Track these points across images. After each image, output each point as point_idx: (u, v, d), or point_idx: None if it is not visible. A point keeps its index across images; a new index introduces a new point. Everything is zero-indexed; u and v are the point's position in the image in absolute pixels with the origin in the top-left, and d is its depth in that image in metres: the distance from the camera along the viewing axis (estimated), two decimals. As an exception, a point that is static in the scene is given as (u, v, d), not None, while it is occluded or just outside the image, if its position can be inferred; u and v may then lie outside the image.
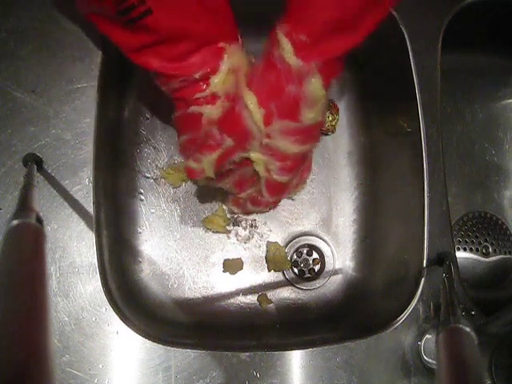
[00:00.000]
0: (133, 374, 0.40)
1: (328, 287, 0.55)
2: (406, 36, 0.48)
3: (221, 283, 0.53)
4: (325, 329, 0.51)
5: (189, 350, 0.41)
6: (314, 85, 0.32)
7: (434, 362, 0.42)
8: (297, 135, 0.35)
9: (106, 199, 0.45)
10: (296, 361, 0.42)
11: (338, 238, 0.56)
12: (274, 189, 0.41)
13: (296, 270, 0.55)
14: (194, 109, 0.36)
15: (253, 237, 0.54)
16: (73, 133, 0.43)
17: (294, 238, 0.55)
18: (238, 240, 0.54)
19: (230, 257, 0.53)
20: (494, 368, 0.42)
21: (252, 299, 0.53)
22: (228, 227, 0.53)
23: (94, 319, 0.41)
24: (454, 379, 0.30)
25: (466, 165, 0.61)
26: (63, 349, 0.40)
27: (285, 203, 0.55)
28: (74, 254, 0.42)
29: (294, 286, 0.54)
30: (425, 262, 0.45)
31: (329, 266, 0.55)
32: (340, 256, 0.55)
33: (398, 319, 0.44)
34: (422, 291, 0.44)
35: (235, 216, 0.54)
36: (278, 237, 0.55)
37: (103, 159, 0.45)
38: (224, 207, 0.53)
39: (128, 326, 0.41)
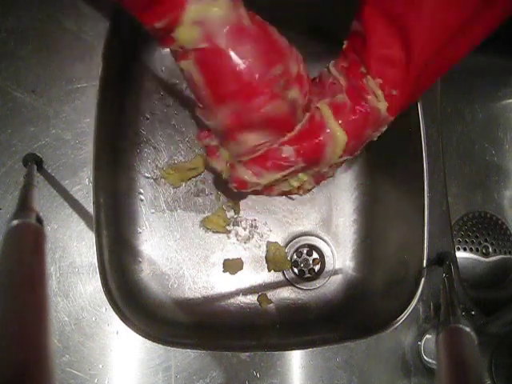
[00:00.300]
0: (133, 374, 0.40)
1: (328, 287, 0.55)
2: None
3: (221, 283, 0.53)
4: (325, 329, 0.51)
5: (189, 350, 0.41)
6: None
7: (433, 362, 0.42)
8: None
9: (105, 199, 0.45)
10: (296, 361, 0.42)
11: (338, 237, 0.56)
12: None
13: (296, 270, 0.55)
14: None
15: (253, 237, 0.54)
16: (73, 133, 0.43)
17: (294, 238, 0.55)
18: (237, 240, 0.54)
19: (230, 257, 0.53)
20: (494, 368, 0.42)
21: (252, 299, 0.53)
22: (228, 227, 0.54)
23: (93, 319, 0.41)
24: (454, 379, 0.30)
25: (466, 165, 0.61)
26: (63, 349, 0.40)
27: (285, 203, 0.55)
28: (74, 254, 0.42)
29: (294, 286, 0.54)
30: (425, 261, 0.45)
31: (329, 266, 0.55)
32: (340, 256, 0.55)
33: (398, 319, 0.44)
34: (422, 291, 0.44)
35: (235, 216, 0.54)
36: (278, 237, 0.55)
37: (103, 159, 0.45)
38: (224, 207, 0.53)
39: (128, 325, 0.41)
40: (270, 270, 0.54)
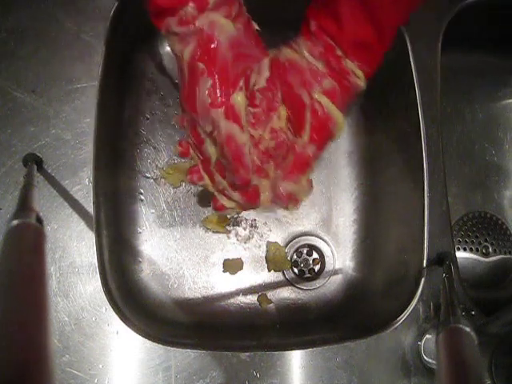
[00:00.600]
0: (133, 374, 0.40)
1: (328, 287, 0.55)
2: (406, 36, 0.48)
3: (221, 283, 0.53)
4: (325, 329, 0.51)
5: (189, 350, 0.41)
6: None
7: (433, 361, 0.42)
8: None
9: (105, 199, 0.45)
10: (296, 361, 0.42)
11: (338, 238, 0.56)
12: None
13: (296, 270, 0.55)
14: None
15: (253, 237, 0.54)
16: (73, 133, 0.43)
17: (294, 238, 0.55)
18: (237, 240, 0.54)
19: (230, 257, 0.53)
20: (494, 368, 0.42)
21: (252, 299, 0.53)
22: (228, 227, 0.53)
23: (94, 319, 0.41)
24: (454, 379, 0.30)
25: (466, 165, 0.60)
26: (63, 349, 0.40)
27: (285, 203, 0.55)
28: (74, 254, 0.42)
29: (294, 286, 0.54)
30: (425, 261, 0.45)
31: (329, 266, 0.55)
32: (340, 256, 0.55)
33: (398, 319, 0.44)
34: (422, 291, 0.44)
35: (235, 216, 0.54)
36: (277, 237, 0.55)
37: (103, 159, 0.45)
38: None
39: (128, 325, 0.41)
40: (270, 270, 0.54)
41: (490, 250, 0.59)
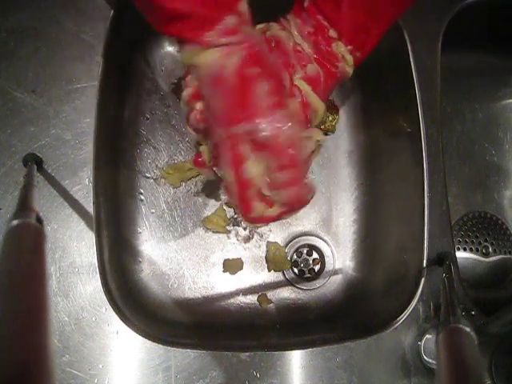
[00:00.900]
0: (133, 374, 0.40)
1: (328, 287, 0.55)
2: (406, 36, 0.48)
3: (221, 283, 0.53)
4: (325, 329, 0.51)
5: (189, 350, 0.41)
6: None
7: (433, 361, 0.42)
8: None
9: (105, 199, 0.45)
10: (296, 361, 0.42)
11: (338, 238, 0.56)
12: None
13: (296, 270, 0.55)
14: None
15: (253, 237, 0.54)
16: (73, 133, 0.43)
17: (294, 238, 0.55)
18: (238, 240, 0.54)
19: (230, 257, 0.53)
20: (494, 368, 0.42)
21: (252, 299, 0.53)
22: (228, 227, 0.53)
23: (94, 319, 0.41)
24: (454, 379, 0.30)
25: (466, 165, 0.61)
26: (63, 349, 0.40)
27: (285, 203, 0.55)
28: (74, 254, 0.42)
29: (294, 286, 0.54)
30: (425, 261, 0.45)
31: (329, 266, 0.55)
32: (340, 256, 0.55)
33: (398, 319, 0.44)
34: (422, 291, 0.44)
35: (235, 216, 0.54)
36: (277, 237, 0.55)
37: (103, 159, 0.45)
38: (224, 207, 0.53)
39: (128, 325, 0.41)
40: (270, 270, 0.54)
41: (490, 249, 0.59)
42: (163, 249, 0.52)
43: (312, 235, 0.55)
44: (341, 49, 0.34)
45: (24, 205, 0.30)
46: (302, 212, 0.55)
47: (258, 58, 0.32)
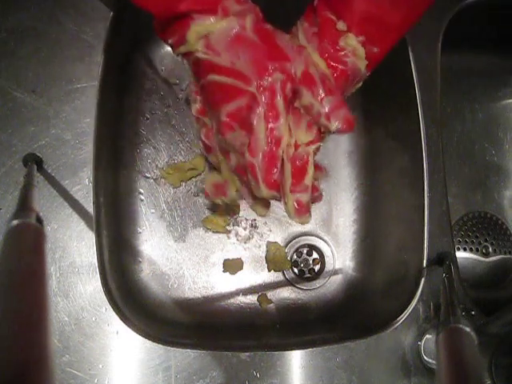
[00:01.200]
0: (133, 374, 0.40)
1: (328, 287, 0.55)
2: (406, 36, 0.48)
3: (221, 283, 0.53)
4: (325, 329, 0.51)
5: (189, 350, 0.41)
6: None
7: (433, 361, 0.42)
8: None
9: (105, 199, 0.45)
10: (296, 361, 0.42)
11: (338, 238, 0.56)
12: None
13: (296, 270, 0.55)
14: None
15: (253, 237, 0.54)
16: (73, 133, 0.43)
17: (294, 238, 0.55)
18: (238, 240, 0.54)
19: (230, 257, 0.53)
20: (494, 368, 0.42)
21: (252, 299, 0.53)
22: (228, 227, 0.53)
23: (93, 319, 0.41)
24: (454, 379, 0.30)
25: (466, 165, 0.60)
26: (63, 349, 0.40)
27: (285, 203, 0.55)
28: (74, 254, 0.42)
29: (294, 286, 0.54)
30: (425, 261, 0.45)
31: (329, 266, 0.55)
32: (340, 256, 0.55)
33: (398, 319, 0.44)
34: (422, 291, 0.44)
35: (235, 216, 0.54)
36: (277, 237, 0.55)
37: (103, 159, 0.45)
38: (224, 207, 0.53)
39: (128, 326, 0.41)
40: (270, 270, 0.54)
41: (490, 249, 0.59)
42: (163, 249, 0.52)
43: (312, 235, 0.55)
44: (351, 42, 0.33)
45: (24, 205, 0.30)
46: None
47: (265, 22, 0.34)
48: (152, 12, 0.31)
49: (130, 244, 0.51)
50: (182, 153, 0.53)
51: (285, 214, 0.55)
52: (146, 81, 0.53)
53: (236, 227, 0.54)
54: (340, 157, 0.57)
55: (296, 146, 0.35)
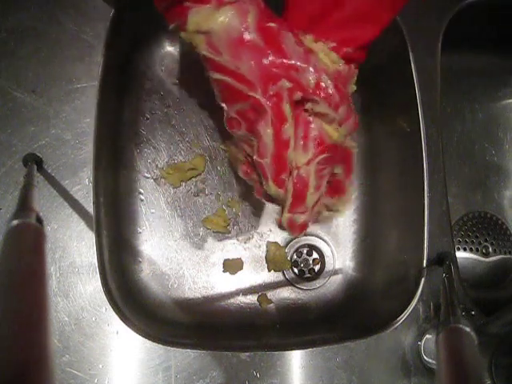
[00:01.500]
0: (133, 374, 0.40)
1: (328, 287, 0.55)
2: (405, 36, 0.48)
3: (221, 283, 0.53)
4: (325, 329, 0.51)
5: (189, 350, 0.41)
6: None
7: (433, 361, 0.42)
8: None
9: (105, 199, 0.45)
10: (296, 361, 0.42)
11: (337, 238, 0.56)
12: None
13: (296, 270, 0.55)
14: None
15: (253, 237, 0.54)
16: (73, 133, 0.43)
17: (294, 237, 0.55)
18: (238, 240, 0.54)
19: (230, 257, 0.53)
20: (494, 368, 0.42)
21: (252, 299, 0.53)
22: (228, 227, 0.54)
23: (93, 319, 0.41)
24: (454, 379, 0.30)
25: (466, 165, 0.60)
26: (63, 349, 0.40)
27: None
28: (74, 254, 0.42)
29: (294, 286, 0.54)
30: (425, 261, 0.45)
31: (329, 266, 0.55)
32: (340, 256, 0.55)
33: (398, 319, 0.44)
34: (422, 291, 0.44)
35: (235, 216, 0.54)
36: (277, 237, 0.55)
37: (103, 159, 0.45)
38: (224, 207, 0.53)
39: (128, 326, 0.41)
40: (270, 270, 0.54)
41: (490, 249, 0.59)
42: (163, 249, 0.52)
43: (312, 235, 0.55)
44: (321, 48, 0.34)
45: (24, 205, 0.30)
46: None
47: (270, 13, 0.33)
48: None
49: (130, 244, 0.51)
50: (182, 153, 0.53)
51: (285, 214, 0.55)
52: (146, 81, 0.53)
53: (236, 227, 0.54)
54: (340, 157, 0.57)
55: (297, 168, 0.35)
